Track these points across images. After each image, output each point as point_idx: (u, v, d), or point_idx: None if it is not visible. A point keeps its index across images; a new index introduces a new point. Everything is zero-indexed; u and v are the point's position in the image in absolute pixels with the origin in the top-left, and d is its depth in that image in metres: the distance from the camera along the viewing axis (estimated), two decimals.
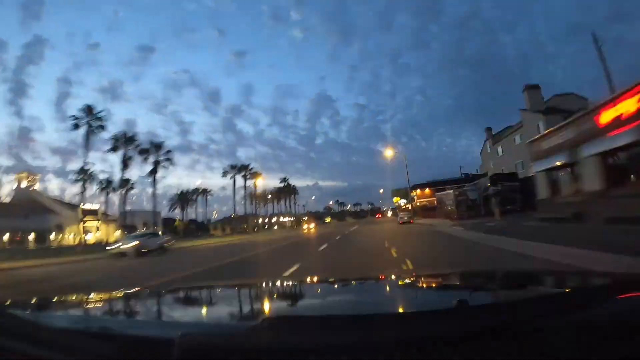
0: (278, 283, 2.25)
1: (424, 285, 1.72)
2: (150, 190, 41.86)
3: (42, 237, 36.73)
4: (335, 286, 1.88)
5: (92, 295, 1.66)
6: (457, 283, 1.73)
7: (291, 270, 7.62)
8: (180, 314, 1.38)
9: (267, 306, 1.43)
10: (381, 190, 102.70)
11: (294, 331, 0.70)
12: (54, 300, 1.63)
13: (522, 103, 28.82)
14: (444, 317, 0.78)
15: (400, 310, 1.18)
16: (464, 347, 0.63)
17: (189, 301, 1.65)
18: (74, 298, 1.70)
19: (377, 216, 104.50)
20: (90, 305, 1.53)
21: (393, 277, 2.13)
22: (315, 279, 2.84)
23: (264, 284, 2.12)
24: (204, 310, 1.43)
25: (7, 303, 1.25)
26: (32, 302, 1.51)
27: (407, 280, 1.88)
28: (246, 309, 1.42)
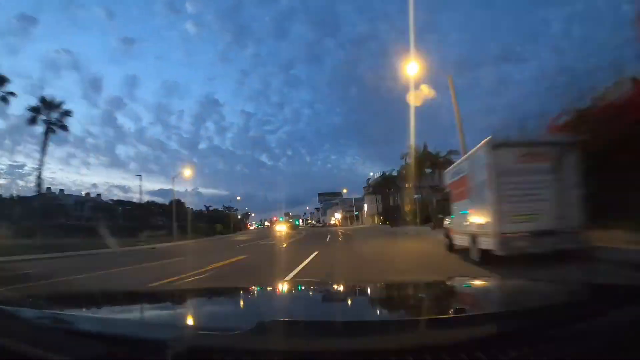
0: (273, 287, 2.24)
1: (420, 293, 1.71)
2: None
3: None
4: (332, 291, 1.88)
5: (86, 294, 1.65)
6: (453, 291, 1.72)
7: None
8: (175, 315, 1.37)
9: (261, 310, 1.43)
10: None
11: (287, 335, 0.70)
12: (46, 297, 1.62)
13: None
14: (439, 325, 0.78)
15: (396, 317, 1.18)
16: (459, 355, 0.63)
17: (184, 303, 1.64)
18: (67, 296, 1.69)
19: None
20: (84, 304, 1.52)
21: (389, 283, 2.12)
22: (311, 283, 2.84)
23: (259, 288, 2.11)
24: (198, 313, 1.42)
25: None
26: (25, 299, 1.50)
27: (403, 287, 1.88)
28: (240, 312, 1.42)
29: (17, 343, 0.75)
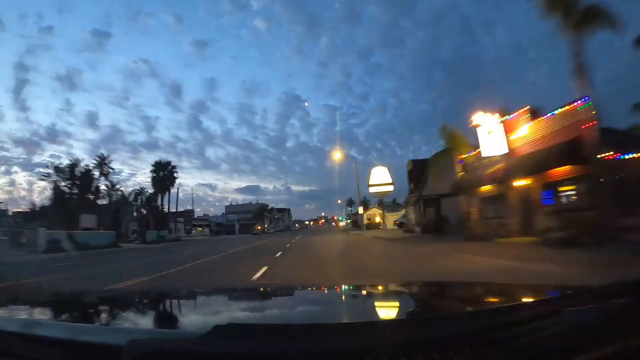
0: (234, 289, 2.23)
1: (379, 295, 1.74)
2: None
3: None
4: (293, 294, 1.89)
5: (41, 296, 1.57)
6: (413, 293, 1.76)
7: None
8: (132, 319, 1.34)
9: (219, 313, 1.42)
10: (339, 201, 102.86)
11: (244, 339, 0.70)
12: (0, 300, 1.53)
13: None
14: (396, 327, 0.81)
15: (353, 320, 1.20)
16: (415, 357, 0.64)
17: (141, 306, 1.60)
18: (20, 299, 1.60)
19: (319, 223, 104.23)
20: (38, 307, 1.45)
21: (352, 286, 2.14)
22: (273, 285, 2.82)
23: (220, 290, 2.09)
24: (154, 316, 1.40)
25: None
26: None
27: (364, 290, 1.90)
28: (199, 315, 1.41)
29: None
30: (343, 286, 2.12)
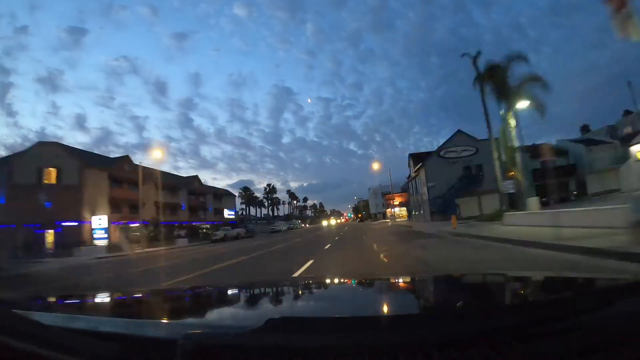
0: (282, 284, 2.26)
1: (427, 287, 1.71)
2: None
3: None
4: (340, 287, 1.88)
5: (97, 295, 1.67)
6: (460, 285, 1.72)
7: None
8: (184, 314, 1.38)
9: (270, 307, 1.44)
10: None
11: (297, 332, 0.70)
12: (58, 299, 1.64)
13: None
14: (448, 320, 0.78)
15: (404, 312, 1.17)
16: (467, 350, 0.63)
17: (193, 302, 1.66)
18: (78, 298, 1.71)
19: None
20: (94, 305, 1.53)
21: (396, 278, 2.12)
22: (319, 279, 2.84)
23: (268, 285, 2.12)
24: (207, 311, 1.44)
25: (11, 302, 1.25)
26: (35, 301, 1.52)
27: (410, 282, 1.88)
28: (249, 309, 1.43)
29: (31, 345, 0.75)
30: (387, 278, 2.09)
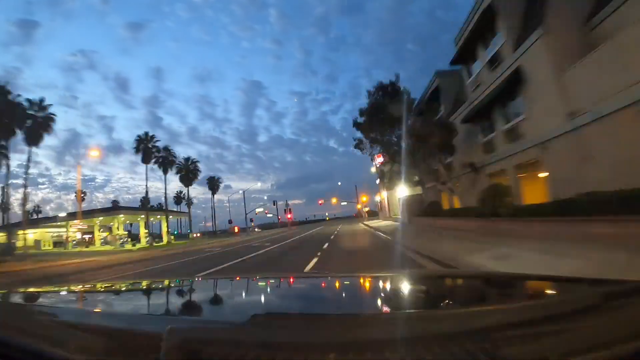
0: (270, 278, 2.26)
1: (415, 285, 1.71)
2: None
3: None
4: (328, 283, 1.89)
5: (83, 287, 1.65)
6: (446, 284, 1.73)
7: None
8: (170, 307, 1.38)
9: (257, 302, 1.44)
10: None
11: (282, 328, 0.70)
12: (44, 291, 1.62)
13: None
14: (432, 318, 0.79)
15: (389, 309, 1.18)
16: (455, 348, 0.62)
17: (180, 295, 1.65)
18: (64, 290, 1.69)
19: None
20: (80, 298, 1.52)
21: (388, 274, 2.12)
22: (307, 274, 2.84)
23: (255, 280, 2.12)
24: (194, 305, 1.43)
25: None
26: (21, 293, 1.50)
27: (400, 279, 1.88)
28: (236, 305, 1.43)
29: (19, 338, 0.75)
30: (376, 274, 2.10)
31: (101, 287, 1.97)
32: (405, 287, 1.68)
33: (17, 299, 1.32)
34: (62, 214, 42.40)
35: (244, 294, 1.65)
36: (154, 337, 0.67)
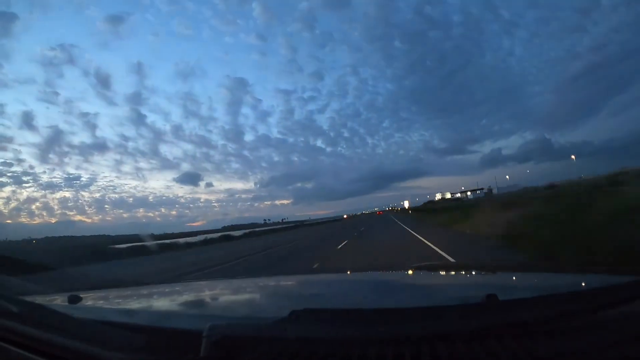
0: (304, 276, 2.27)
1: (449, 278, 1.68)
2: None
3: None
4: (362, 279, 1.87)
5: (123, 288, 1.72)
6: (481, 276, 1.67)
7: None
8: (209, 306, 1.41)
9: (294, 299, 1.46)
10: None
11: (320, 323, 0.70)
12: (86, 293, 1.70)
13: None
14: (470, 312, 0.76)
15: (426, 303, 1.16)
16: (489, 342, 0.62)
17: (218, 294, 1.69)
18: (106, 291, 1.77)
19: None
20: (121, 298, 1.58)
21: (417, 269, 2.10)
22: (340, 271, 2.84)
23: (290, 278, 2.14)
24: (232, 303, 1.46)
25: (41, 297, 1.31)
26: (65, 296, 1.59)
27: (430, 273, 1.85)
28: (273, 301, 1.44)
29: (63, 339, 0.78)
30: (409, 269, 2.07)
31: (142, 286, 2.06)
32: (442, 280, 1.64)
33: (59, 300, 1.39)
34: None
35: (280, 292, 1.67)
36: (195, 334, 0.68)
